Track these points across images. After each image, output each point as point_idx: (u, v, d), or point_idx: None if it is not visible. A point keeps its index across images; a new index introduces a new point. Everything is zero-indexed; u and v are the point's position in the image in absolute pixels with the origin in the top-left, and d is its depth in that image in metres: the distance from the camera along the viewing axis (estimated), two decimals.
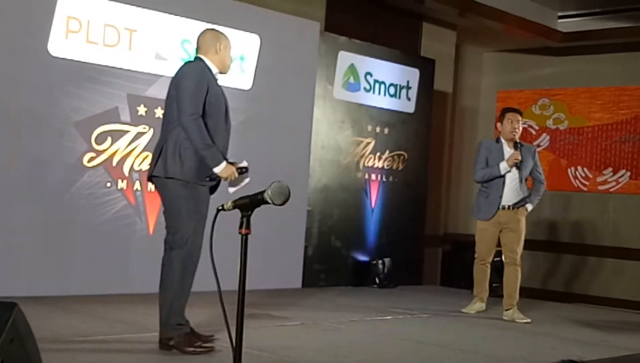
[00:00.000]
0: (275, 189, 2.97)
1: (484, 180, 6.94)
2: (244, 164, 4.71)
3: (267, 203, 2.99)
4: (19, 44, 6.36)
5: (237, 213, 3.08)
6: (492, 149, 6.96)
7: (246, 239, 3.01)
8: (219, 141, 4.69)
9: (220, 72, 4.86)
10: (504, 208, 6.87)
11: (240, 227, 3.01)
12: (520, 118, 6.98)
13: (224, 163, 4.64)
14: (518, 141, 6.94)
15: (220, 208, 3.07)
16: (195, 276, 4.72)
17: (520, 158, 6.82)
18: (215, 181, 4.76)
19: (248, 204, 3.02)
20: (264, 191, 2.99)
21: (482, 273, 7.06)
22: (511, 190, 6.87)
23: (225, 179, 4.68)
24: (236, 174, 4.67)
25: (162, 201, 4.77)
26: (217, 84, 4.79)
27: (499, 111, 7.33)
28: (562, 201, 10.78)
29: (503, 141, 6.96)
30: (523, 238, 6.98)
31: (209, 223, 3.14)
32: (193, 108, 4.57)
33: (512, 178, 6.87)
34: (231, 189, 4.69)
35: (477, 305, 7.08)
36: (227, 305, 3.04)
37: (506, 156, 6.87)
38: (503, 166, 6.83)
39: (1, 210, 6.27)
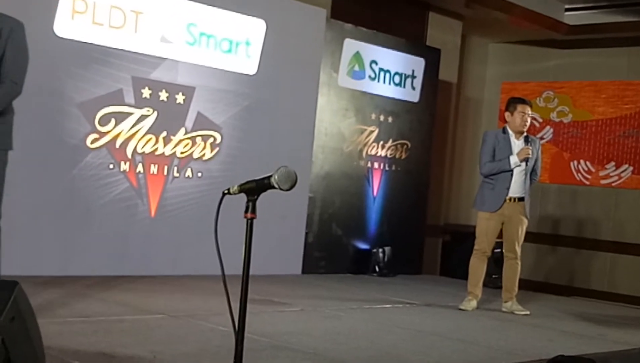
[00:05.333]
0: (283, 175, 2.95)
1: (491, 173, 6.73)
2: None
3: (273, 187, 2.97)
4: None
5: (235, 198, 3.07)
6: (500, 141, 6.75)
7: (251, 223, 2.99)
8: None
9: None
10: (510, 200, 6.71)
11: (246, 212, 2.99)
12: (530, 110, 6.80)
13: None
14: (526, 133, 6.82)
15: (226, 191, 3.05)
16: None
17: (531, 153, 6.68)
18: None
19: (254, 189, 3.00)
20: (270, 176, 2.96)
21: (479, 268, 6.80)
22: (517, 182, 6.71)
23: None
24: None
25: None
26: None
27: (503, 102, 7.19)
28: (564, 194, 10.78)
29: (510, 132, 6.78)
30: (524, 232, 6.88)
31: (210, 208, 3.08)
32: (22, 82, 4.46)
33: (520, 170, 6.70)
34: None
35: (474, 303, 6.79)
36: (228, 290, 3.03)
37: (514, 148, 6.71)
38: (514, 161, 6.65)
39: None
